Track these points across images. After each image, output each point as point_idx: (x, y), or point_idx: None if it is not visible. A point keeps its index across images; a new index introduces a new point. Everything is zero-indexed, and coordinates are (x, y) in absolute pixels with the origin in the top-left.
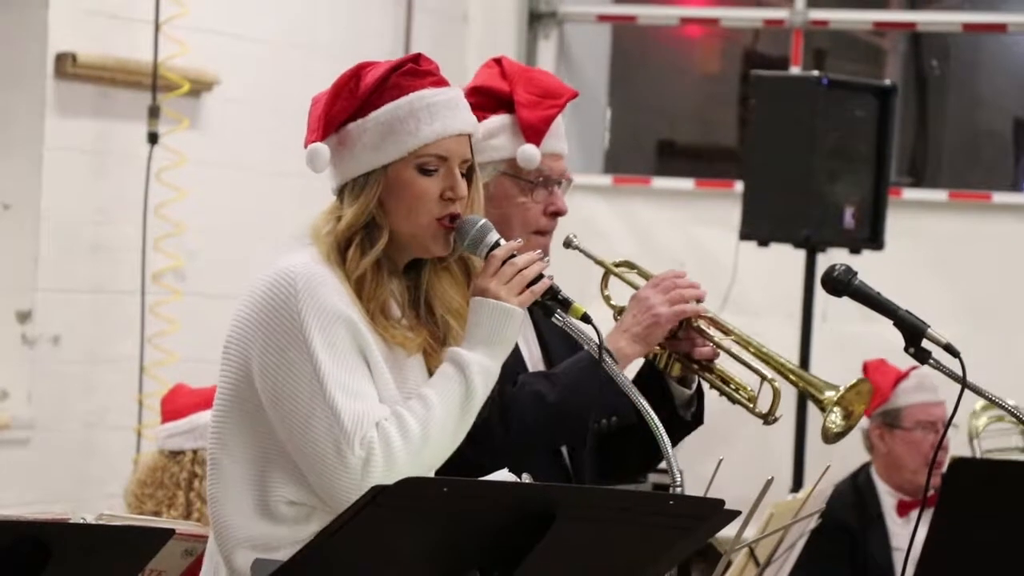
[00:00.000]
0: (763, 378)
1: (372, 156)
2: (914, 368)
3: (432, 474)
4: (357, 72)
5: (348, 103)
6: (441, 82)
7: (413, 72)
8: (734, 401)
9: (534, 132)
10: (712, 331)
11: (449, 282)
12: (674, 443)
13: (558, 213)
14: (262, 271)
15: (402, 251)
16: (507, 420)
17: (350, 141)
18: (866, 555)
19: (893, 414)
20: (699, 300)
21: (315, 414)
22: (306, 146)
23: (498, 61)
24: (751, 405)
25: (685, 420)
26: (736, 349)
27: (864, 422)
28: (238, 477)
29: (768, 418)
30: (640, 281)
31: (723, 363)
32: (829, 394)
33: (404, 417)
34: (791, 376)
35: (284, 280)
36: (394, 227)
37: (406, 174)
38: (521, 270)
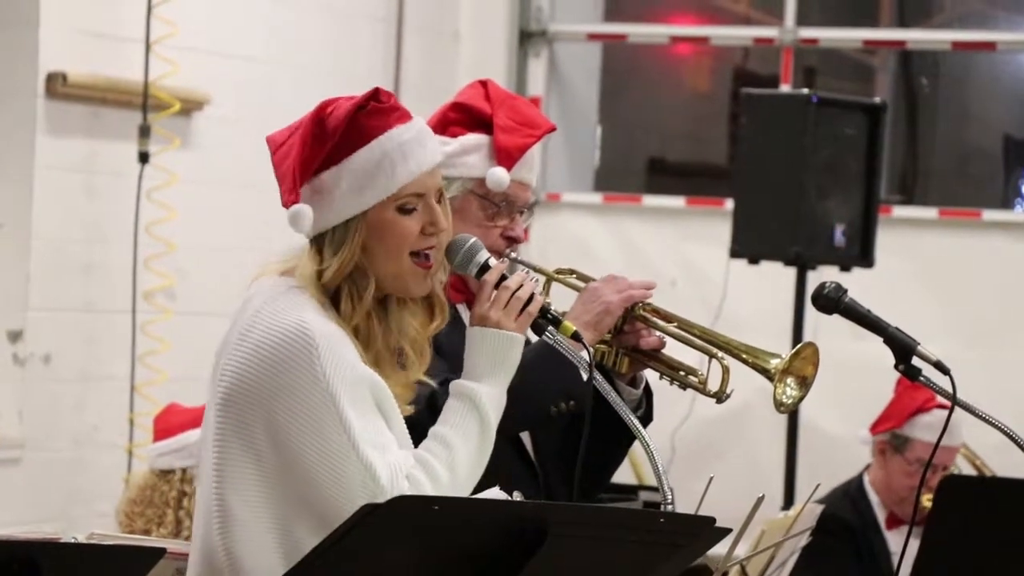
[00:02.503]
0: (711, 356)
1: (351, 203)
2: (940, 406)
3: None
4: (319, 116)
5: (317, 151)
6: (405, 116)
7: (377, 111)
8: (686, 386)
9: (507, 157)
10: (656, 320)
11: (408, 311)
12: (628, 444)
13: (514, 240)
14: (266, 322)
15: (381, 288)
16: None
17: (325, 190)
18: (870, 554)
19: (901, 440)
20: (648, 282)
21: (348, 472)
22: (285, 205)
23: (484, 83)
24: (702, 387)
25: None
26: (681, 334)
27: (870, 438)
28: (262, 532)
29: (721, 396)
30: (581, 285)
31: (670, 351)
32: (775, 362)
33: (430, 463)
34: (738, 352)
35: (303, 340)
36: (376, 269)
37: (387, 216)
38: (514, 292)
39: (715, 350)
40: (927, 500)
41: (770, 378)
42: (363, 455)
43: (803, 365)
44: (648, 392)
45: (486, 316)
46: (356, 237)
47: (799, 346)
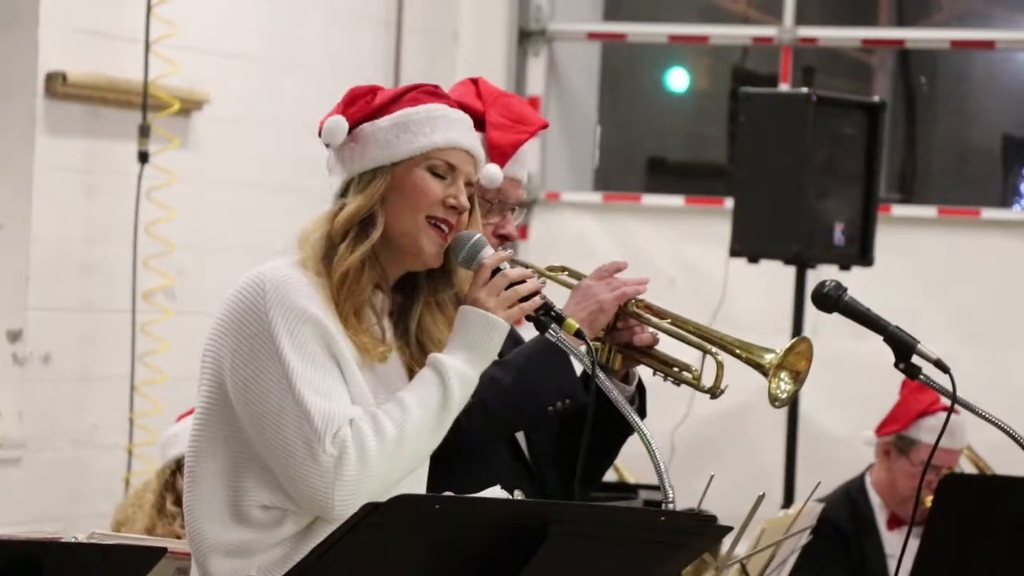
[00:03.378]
0: (706, 352)
1: (384, 152)
2: (946, 408)
3: (404, 478)
4: (375, 88)
5: (363, 108)
6: (455, 105)
7: (431, 92)
8: (680, 382)
9: (500, 154)
10: (649, 316)
11: (443, 322)
12: (622, 442)
13: (506, 237)
14: (237, 283)
15: (395, 258)
16: (466, 407)
17: (362, 139)
18: (863, 559)
19: (907, 442)
20: (641, 279)
21: (286, 413)
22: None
23: (475, 81)
24: (696, 383)
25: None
26: (675, 330)
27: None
28: (211, 485)
29: (715, 392)
30: (573, 282)
31: (663, 347)
32: (769, 357)
33: (379, 418)
34: (732, 347)
35: (254, 284)
36: (391, 224)
37: (415, 172)
38: (514, 283)
39: (709, 346)
40: (929, 501)
41: (764, 373)
42: (299, 396)
43: (796, 360)
44: (641, 389)
45: (476, 298)
46: (380, 184)
47: (793, 341)
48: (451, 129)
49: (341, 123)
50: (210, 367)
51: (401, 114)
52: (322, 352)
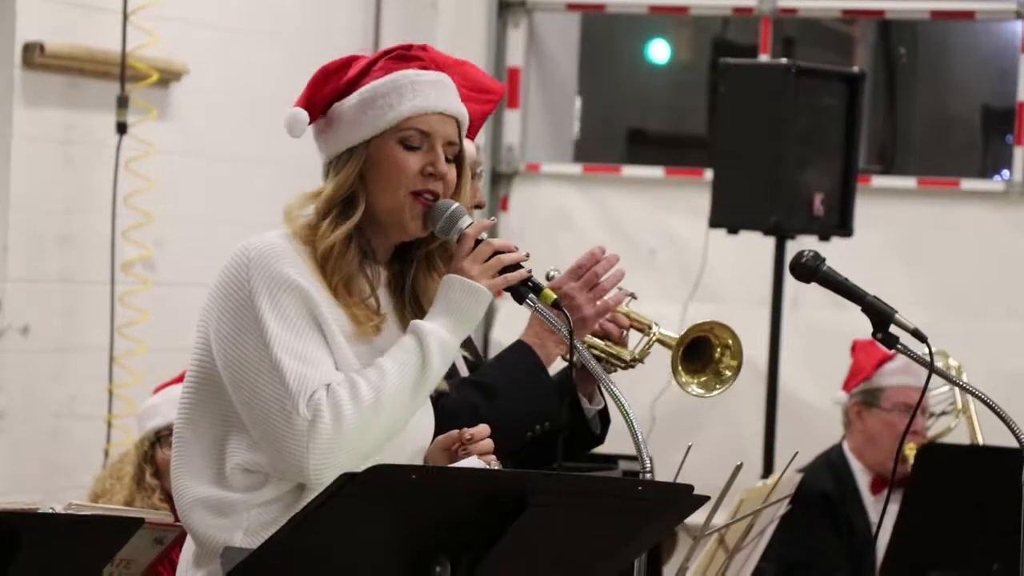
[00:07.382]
0: (643, 331)
1: (353, 131)
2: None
3: (384, 443)
4: (349, 60)
5: (335, 85)
6: (430, 65)
7: (401, 56)
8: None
9: (471, 126)
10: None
11: (435, 278)
12: (580, 451)
13: (478, 206)
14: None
15: (381, 233)
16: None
17: (335, 120)
18: (850, 524)
19: (873, 393)
20: (619, 278)
21: (262, 376)
22: None
23: (424, 48)
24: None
25: (594, 433)
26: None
27: (844, 397)
28: (199, 449)
29: (634, 362)
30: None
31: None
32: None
33: (356, 382)
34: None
35: (240, 255)
36: (372, 202)
37: (388, 147)
38: (497, 252)
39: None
40: (910, 449)
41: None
42: (275, 359)
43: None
44: (605, 412)
45: (459, 267)
46: (355, 164)
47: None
48: (419, 95)
49: (300, 115)
50: (200, 336)
51: (367, 89)
52: (303, 319)
